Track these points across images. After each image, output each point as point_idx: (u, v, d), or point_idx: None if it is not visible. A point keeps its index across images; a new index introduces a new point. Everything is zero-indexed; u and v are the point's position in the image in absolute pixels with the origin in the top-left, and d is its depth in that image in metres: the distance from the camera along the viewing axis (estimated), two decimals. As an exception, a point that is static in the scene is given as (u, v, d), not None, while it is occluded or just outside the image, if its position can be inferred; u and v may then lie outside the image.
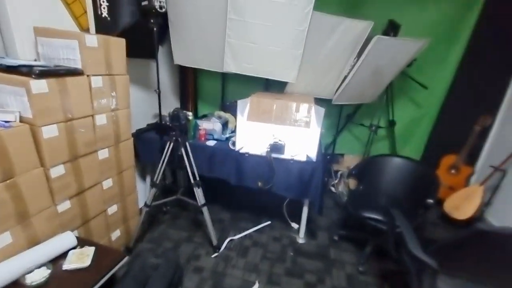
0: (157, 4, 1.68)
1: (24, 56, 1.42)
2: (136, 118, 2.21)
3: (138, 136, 2.15)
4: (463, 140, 2.61)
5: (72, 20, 1.68)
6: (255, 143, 2.01)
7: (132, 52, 1.93)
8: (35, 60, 1.39)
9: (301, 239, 2.21)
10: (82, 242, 1.34)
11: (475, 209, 2.40)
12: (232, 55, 2.09)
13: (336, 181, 3.04)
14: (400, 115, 2.73)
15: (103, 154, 1.59)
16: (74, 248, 1.30)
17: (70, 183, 1.41)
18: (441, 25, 2.32)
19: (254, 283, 1.73)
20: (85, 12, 1.73)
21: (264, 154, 1.94)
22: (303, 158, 1.93)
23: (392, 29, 2.26)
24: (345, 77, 2.25)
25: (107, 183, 1.67)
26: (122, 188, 1.80)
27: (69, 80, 1.30)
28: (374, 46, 1.92)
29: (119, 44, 1.57)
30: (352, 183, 2.73)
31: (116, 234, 1.82)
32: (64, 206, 1.40)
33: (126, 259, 1.33)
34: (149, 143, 2.13)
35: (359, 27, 1.97)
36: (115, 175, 1.72)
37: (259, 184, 1.98)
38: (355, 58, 2.15)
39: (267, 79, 2.55)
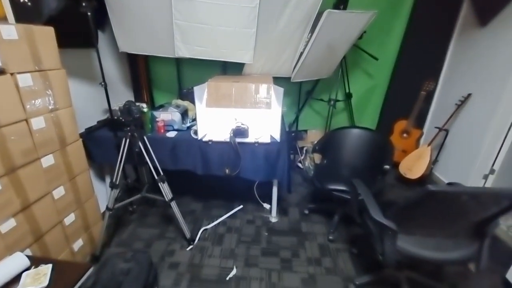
0: (86, -15, 1.47)
1: None
2: (84, 116, 2.01)
3: (89, 135, 1.96)
4: (412, 105, 2.82)
5: (-19, 8, 1.42)
6: (217, 129, 1.95)
7: (67, 41, 1.71)
8: None
9: (273, 218, 2.27)
10: (36, 261, 1.21)
11: (425, 167, 2.66)
12: (181, 38, 1.95)
13: (302, 157, 3.13)
14: (355, 88, 2.84)
15: (48, 161, 1.43)
16: (28, 269, 1.18)
17: (10, 199, 1.24)
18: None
19: (232, 269, 1.75)
20: (-3, -3, 1.46)
21: (228, 140, 1.90)
22: (267, 140, 1.93)
23: (341, 2, 2.29)
24: (301, 54, 2.25)
25: (58, 192, 1.52)
26: (77, 195, 1.65)
27: (-13, 81, 1.10)
28: (326, 21, 1.92)
29: (46, 34, 1.37)
30: (317, 157, 2.83)
31: (78, 244, 1.69)
32: (8, 225, 1.25)
33: (91, 270, 1.24)
34: (102, 142, 1.96)
35: (309, 1, 1.95)
36: (66, 182, 1.56)
37: (226, 171, 1.96)
38: (308, 34, 2.14)
39: (224, 62, 2.46)
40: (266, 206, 2.40)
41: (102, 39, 2.23)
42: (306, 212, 2.32)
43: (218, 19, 1.84)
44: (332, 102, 2.60)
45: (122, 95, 2.67)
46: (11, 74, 1.20)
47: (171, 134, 1.99)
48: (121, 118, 1.72)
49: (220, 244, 1.98)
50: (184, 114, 2.13)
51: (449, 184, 2.15)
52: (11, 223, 1.26)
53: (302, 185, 2.81)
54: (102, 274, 1.39)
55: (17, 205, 1.28)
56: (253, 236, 2.07)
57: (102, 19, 2.08)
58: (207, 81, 1.92)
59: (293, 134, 3.09)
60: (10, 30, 1.18)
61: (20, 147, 1.26)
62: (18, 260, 1.16)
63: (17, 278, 1.13)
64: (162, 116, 2.02)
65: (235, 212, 2.35)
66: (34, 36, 1.29)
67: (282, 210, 2.38)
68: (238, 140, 1.90)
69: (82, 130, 1.97)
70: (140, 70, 2.70)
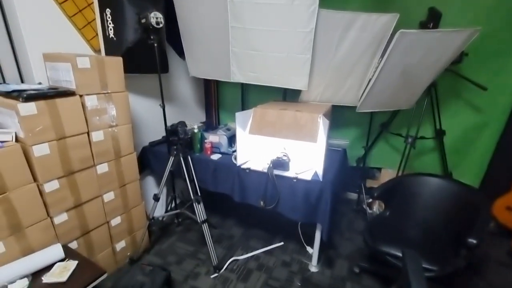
0: (153, 21, 1.69)
1: (38, 80, 1.59)
2: (152, 131, 2.29)
3: (150, 148, 2.21)
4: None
5: (86, 43, 1.83)
6: (257, 158, 1.86)
7: (145, 68, 2.02)
8: (40, 84, 1.53)
9: (313, 266, 1.95)
10: (70, 255, 1.40)
11: None
12: (237, 64, 1.99)
13: (371, 200, 2.63)
14: (451, 123, 2.21)
15: (102, 168, 1.66)
16: (62, 260, 1.36)
17: (66, 196, 1.49)
18: (499, 10, 1.79)
19: (245, 315, 1.58)
20: (97, 34, 1.86)
21: (265, 170, 1.77)
22: (309, 177, 1.69)
23: (432, 18, 1.85)
24: (370, 81, 1.92)
25: (108, 196, 1.74)
26: (125, 201, 1.86)
27: (59, 101, 1.37)
28: (397, 43, 1.57)
29: (115, 63, 1.62)
30: (382, 205, 2.31)
31: (120, 245, 1.89)
32: (61, 218, 1.49)
33: (105, 275, 1.33)
34: (159, 156, 2.17)
35: (380, 22, 1.65)
36: (117, 188, 1.78)
37: (261, 203, 1.81)
38: (380, 58, 1.81)
39: (285, 88, 2.37)
40: (309, 250, 2.09)
41: (182, 65, 2.53)
42: (357, 270, 1.89)
43: (270, 45, 1.78)
44: (409, 140, 2.09)
45: (195, 114, 2.95)
46: (80, 95, 1.47)
47: (215, 156, 2.02)
48: (170, 138, 1.87)
49: (245, 280, 1.83)
50: (233, 137, 2.13)
51: None
52: (64, 216, 1.51)
53: (363, 235, 2.33)
54: (121, 281, 1.48)
55: (70, 202, 1.52)
56: (283, 282, 1.83)
57: (182, 48, 2.36)
58: (254, 107, 1.87)
59: (360, 170, 2.64)
60: (85, 61, 1.46)
61: (80, 155, 1.52)
62: (55, 251, 1.36)
63: (50, 266, 1.32)
64: (211, 138, 2.08)
65: (273, 248, 2.15)
66: (104, 65, 1.55)
67: (327, 259, 2.02)
68: (277, 172, 1.75)
69: (146, 144, 2.25)
70: (212, 92, 2.92)
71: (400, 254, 1.40)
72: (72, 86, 1.47)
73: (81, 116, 1.49)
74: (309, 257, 2.04)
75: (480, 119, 2.19)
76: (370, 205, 2.61)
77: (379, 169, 2.74)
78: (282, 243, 2.20)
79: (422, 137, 2.18)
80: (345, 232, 2.34)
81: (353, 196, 2.84)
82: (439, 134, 2.21)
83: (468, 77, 1.95)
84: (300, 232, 2.18)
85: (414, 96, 2.01)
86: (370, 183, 2.73)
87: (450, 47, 1.63)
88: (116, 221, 1.82)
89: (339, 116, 2.36)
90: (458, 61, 1.86)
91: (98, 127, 1.59)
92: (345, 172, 2.27)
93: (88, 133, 1.54)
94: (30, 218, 1.35)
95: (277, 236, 2.27)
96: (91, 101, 1.52)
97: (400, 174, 2.19)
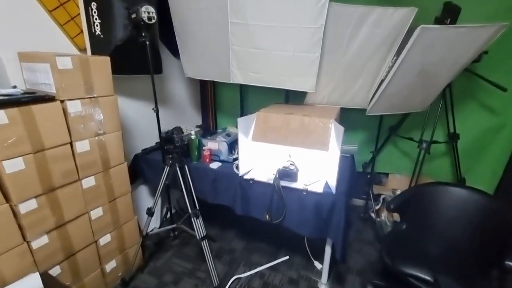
0: (145, 16, 1.50)
1: (13, 83, 1.39)
2: (145, 137, 2.11)
3: (143, 156, 2.03)
4: None
5: (69, 41, 1.64)
6: (261, 167, 1.70)
7: (137, 68, 1.83)
8: (15, 87, 1.33)
9: (323, 284, 1.79)
10: (51, 284, 1.21)
11: None
12: (237, 64, 1.82)
13: (378, 207, 2.49)
14: (465, 127, 2.07)
15: (89, 182, 1.47)
16: (41, 292, 1.18)
17: (46, 217, 1.30)
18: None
19: None
20: (82, 31, 1.67)
21: (271, 181, 1.60)
22: (319, 189, 1.53)
23: (448, 14, 1.70)
24: (382, 81, 1.77)
25: (96, 212, 1.55)
26: (116, 216, 1.67)
27: (36, 108, 1.18)
28: (418, 40, 1.42)
29: (101, 63, 1.44)
30: (392, 214, 2.18)
31: (111, 265, 1.70)
32: (40, 241, 1.30)
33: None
34: (153, 165, 1.99)
35: (396, 17, 1.50)
36: (106, 203, 1.60)
37: (267, 217, 1.65)
38: (393, 57, 1.66)
39: (287, 89, 2.21)
40: (318, 265, 1.94)
41: (177, 65, 2.35)
42: (370, 288, 1.75)
43: (273, 43, 1.62)
44: (424, 145, 1.94)
45: (191, 117, 2.77)
46: (61, 101, 1.28)
47: (214, 165, 1.85)
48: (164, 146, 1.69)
49: (249, 302, 1.67)
50: (234, 143, 1.97)
51: None
52: (43, 239, 1.31)
53: (373, 245, 2.19)
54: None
55: (51, 223, 1.33)
56: (291, 303, 1.67)
57: (177, 47, 2.17)
58: (257, 111, 1.71)
59: (368, 176, 2.50)
60: (66, 61, 1.27)
61: (62, 168, 1.33)
62: (32, 282, 1.18)
63: (28, 301, 1.13)
64: (209, 145, 1.91)
65: (278, 263, 1.98)
66: (89, 65, 1.36)
67: (337, 275, 1.87)
68: (284, 183, 1.58)
69: (139, 151, 2.06)
70: (208, 94, 2.75)
71: (427, 278, 1.25)
72: (52, 90, 1.28)
73: (63, 124, 1.30)
74: (318, 273, 1.89)
75: (496, 121, 2.07)
76: (378, 213, 2.47)
77: (386, 175, 2.60)
78: (287, 257, 2.03)
79: (435, 141, 2.04)
80: (354, 243, 2.20)
81: (358, 202, 2.70)
82: (453, 137, 2.08)
83: (487, 78, 1.82)
84: (306, 244, 2.02)
85: (429, 98, 1.86)
86: (377, 189, 2.59)
87: (474, 44, 1.49)
88: (105, 239, 1.64)
89: (345, 119, 2.19)
90: (477, 60, 1.72)
91: (83, 136, 1.40)
92: (353, 179, 2.12)
93: (71, 143, 1.35)
94: (3, 244, 1.16)
95: (281, 249, 2.11)
96: (74, 107, 1.33)
97: (414, 181, 2.04)
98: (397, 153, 2.44)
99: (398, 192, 2.41)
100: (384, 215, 2.39)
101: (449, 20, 1.68)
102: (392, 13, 1.48)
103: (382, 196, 2.47)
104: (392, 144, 2.42)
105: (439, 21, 1.72)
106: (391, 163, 2.48)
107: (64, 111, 1.30)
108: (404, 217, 1.68)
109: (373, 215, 2.48)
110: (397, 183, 2.50)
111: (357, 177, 2.47)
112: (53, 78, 1.25)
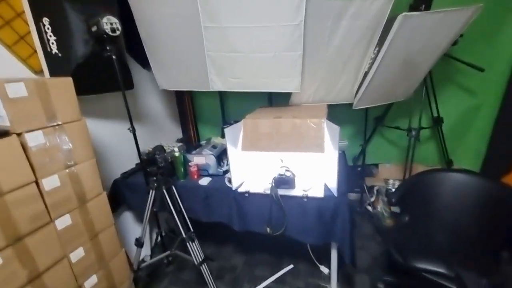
0: (107, 27, 1.34)
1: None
2: (123, 160, 1.93)
3: (123, 181, 1.84)
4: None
5: (21, 64, 1.43)
6: (256, 178, 1.59)
7: (104, 86, 1.66)
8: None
9: (333, 289, 1.72)
10: None
11: None
12: (215, 70, 1.70)
13: (373, 199, 2.48)
14: (447, 110, 2.11)
15: (64, 222, 1.29)
16: None
17: (15, 272, 1.10)
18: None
19: None
20: (35, 51, 1.47)
21: (268, 191, 1.50)
22: (320, 193, 1.45)
23: (422, 0, 1.70)
24: (366, 74, 1.73)
25: (77, 254, 1.36)
26: (100, 254, 1.49)
27: (-14, 146, 1.00)
28: (401, 29, 1.39)
29: (64, 85, 1.26)
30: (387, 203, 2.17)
31: (101, 309, 1.51)
32: (11, 302, 1.11)
33: None
34: (136, 189, 1.81)
35: (375, 7, 1.45)
36: (87, 242, 1.41)
37: (267, 230, 1.55)
38: (375, 49, 1.63)
39: (269, 92, 2.13)
40: (324, 269, 1.86)
41: (149, 78, 2.17)
42: (381, 286, 1.70)
43: (252, 45, 1.52)
44: (413, 133, 1.94)
45: (170, 132, 2.60)
46: (18, 134, 1.10)
47: (204, 181, 1.71)
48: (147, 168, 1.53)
49: (260, 323, 1.55)
50: (222, 155, 1.84)
51: None
52: (16, 299, 1.12)
53: (374, 239, 2.16)
54: None
55: (23, 278, 1.13)
56: (304, 316, 1.58)
57: (146, 59, 2.00)
58: (244, 118, 1.60)
59: (358, 169, 2.48)
60: (19, 88, 1.09)
61: (28, 212, 1.13)
62: None
63: None
64: (196, 160, 1.77)
65: (284, 274, 1.88)
66: (48, 89, 1.19)
67: (345, 277, 1.80)
68: (282, 192, 1.49)
69: (118, 176, 1.87)
70: (186, 105, 2.60)
71: (443, 271, 1.21)
72: (5, 123, 1.09)
73: (23, 160, 1.11)
74: (325, 278, 1.82)
75: (475, 101, 2.12)
76: (373, 205, 2.45)
77: (376, 165, 2.60)
78: (291, 265, 1.94)
79: (423, 127, 2.05)
80: (355, 239, 2.15)
81: (353, 196, 2.67)
82: (437, 121, 2.10)
83: (464, 60, 1.84)
84: (309, 250, 1.94)
85: (413, 85, 1.86)
86: (369, 181, 2.58)
87: (453, 28, 1.48)
88: (91, 281, 1.44)
89: (331, 116, 2.16)
90: (454, 44, 1.74)
91: (50, 171, 1.21)
92: (348, 176, 2.08)
93: (36, 181, 1.16)
94: (-37, 315, 0.96)
95: (284, 258, 2.01)
96: (34, 139, 1.15)
97: (408, 170, 2.04)
98: (385, 143, 2.44)
99: (390, 182, 2.42)
100: (380, 206, 2.38)
101: (423, 6, 1.68)
102: (370, 4, 1.44)
103: (375, 188, 2.46)
104: (379, 135, 2.42)
105: (413, 8, 1.72)
106: (380, 153, 2.48)
107: (23, 146, 1.11)
108: (405, 208, 1.65)
109: (369, 207, 2.46)
110: (387, 172, 2.51)
111: (350, 172, 2.44)
112: (4, 109, 1.06)
